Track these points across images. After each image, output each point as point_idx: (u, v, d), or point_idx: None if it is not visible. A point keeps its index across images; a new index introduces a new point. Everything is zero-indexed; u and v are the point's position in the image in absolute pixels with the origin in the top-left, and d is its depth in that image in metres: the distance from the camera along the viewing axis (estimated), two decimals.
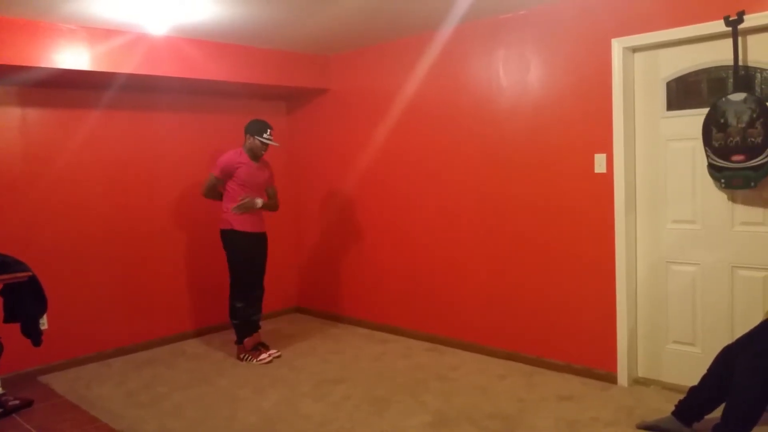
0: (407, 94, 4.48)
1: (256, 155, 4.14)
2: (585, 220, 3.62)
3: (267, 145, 4.13)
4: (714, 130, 3.09)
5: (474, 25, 4.02)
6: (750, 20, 2.93)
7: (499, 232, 4.03)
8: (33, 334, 3.48)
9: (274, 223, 4.75)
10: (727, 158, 3.05)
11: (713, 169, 3.11)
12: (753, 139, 2.96)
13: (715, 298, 3.28)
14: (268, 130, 4.12)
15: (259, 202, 4.15)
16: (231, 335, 4.80)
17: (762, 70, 3.05)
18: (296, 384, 3.75)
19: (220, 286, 4.55)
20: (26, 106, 4.04)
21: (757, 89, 3.06)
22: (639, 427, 2.96)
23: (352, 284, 5.08)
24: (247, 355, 4.20)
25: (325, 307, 5.36)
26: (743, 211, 3.16)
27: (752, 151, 2.96)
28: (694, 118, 3.19)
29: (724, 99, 3.06)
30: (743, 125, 2.99)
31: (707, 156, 3.13)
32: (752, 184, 2.99)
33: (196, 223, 4.80)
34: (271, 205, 4.34)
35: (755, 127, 2.95)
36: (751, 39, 3.04)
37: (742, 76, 3.04)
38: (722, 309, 3.25)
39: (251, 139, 4.11)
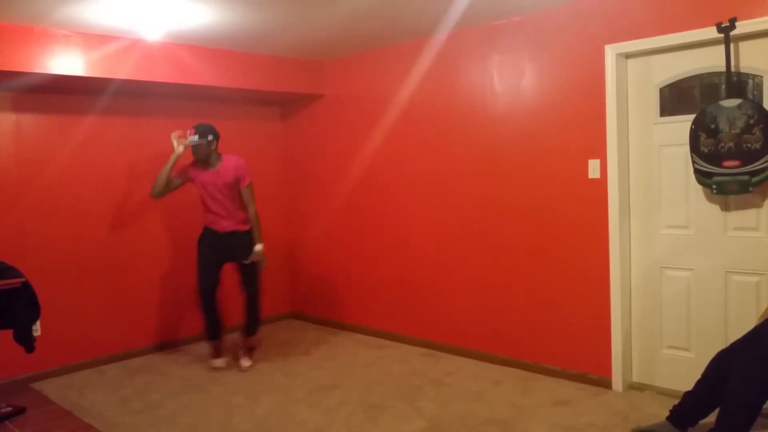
0: (402, 100, 4.49)
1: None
2: (579, 225, 3.62)
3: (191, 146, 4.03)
4: (703, 136, 3.11)
5: (468, 31, 4.04)
6: (742, 27, 2.96)
7: (494, 238, 4.04)
8: (26, 341, 3.46)
9: (271, 227, 4.74)
10: (717, 164, 3.06)
11: (701, 174, 3.13)
12: (749, 145, 2.97)
13: (709, 302, 3.29)
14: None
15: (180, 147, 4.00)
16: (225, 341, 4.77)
17: (754, 76, 3.07)
18: (291, 390, 3.74)
19: None
20: (20, 112, 4.03)
21: (750, 95, 3.07)
22: None
23: (348, 290, 5.07)
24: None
25: (320, 312, 5.34)
26: (736, 216, 3.18)
27: (748, 157, 2.97)
28: (688, 124, 3.19)
29: (713, 105, 3.08)
30: (737, 131, 3.00)
31: (694, 162, 3.14)
32: (750, 189, 3.00)
33: (192, 229, 4.76)
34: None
35: (753, 133, 2.96)
36: (743, 45, 3.06)
37: (735, 82, 3.06)
38: (716, 314, 3.26)
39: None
